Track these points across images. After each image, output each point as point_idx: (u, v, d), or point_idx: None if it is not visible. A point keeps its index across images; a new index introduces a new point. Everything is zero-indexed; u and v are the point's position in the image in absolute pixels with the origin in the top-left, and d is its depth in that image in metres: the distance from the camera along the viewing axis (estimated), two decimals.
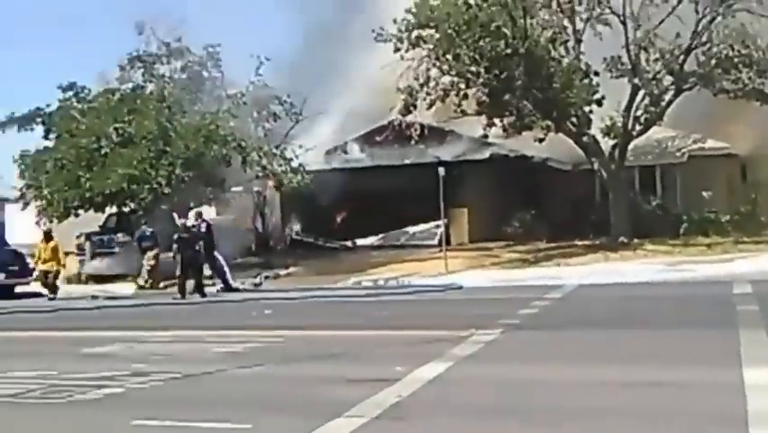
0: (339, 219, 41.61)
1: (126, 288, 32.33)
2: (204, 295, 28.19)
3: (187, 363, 14.87)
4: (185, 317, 23.49)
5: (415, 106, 34.11)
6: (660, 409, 10.28)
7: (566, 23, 35.00)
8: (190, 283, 28.59)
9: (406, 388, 11.81)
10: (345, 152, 41.41)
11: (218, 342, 17.12)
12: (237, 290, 29.06)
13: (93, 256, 36.02)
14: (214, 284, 30.46)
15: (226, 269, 30.50)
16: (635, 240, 34.23)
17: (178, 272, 28.86)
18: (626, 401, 10.72)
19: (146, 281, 32.12)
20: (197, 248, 28.97)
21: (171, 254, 29.31)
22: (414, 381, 12.27)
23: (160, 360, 15.39)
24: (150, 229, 32.77)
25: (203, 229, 29.61)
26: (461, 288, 26.19)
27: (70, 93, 36.91)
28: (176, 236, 29.15)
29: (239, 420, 10.42)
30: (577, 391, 11.47)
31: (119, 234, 35.93)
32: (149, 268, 32.35)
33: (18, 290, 32.34)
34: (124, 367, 14.46)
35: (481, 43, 32.13)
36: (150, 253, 32.36)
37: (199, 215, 30.54)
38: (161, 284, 31.64)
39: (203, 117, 35.46)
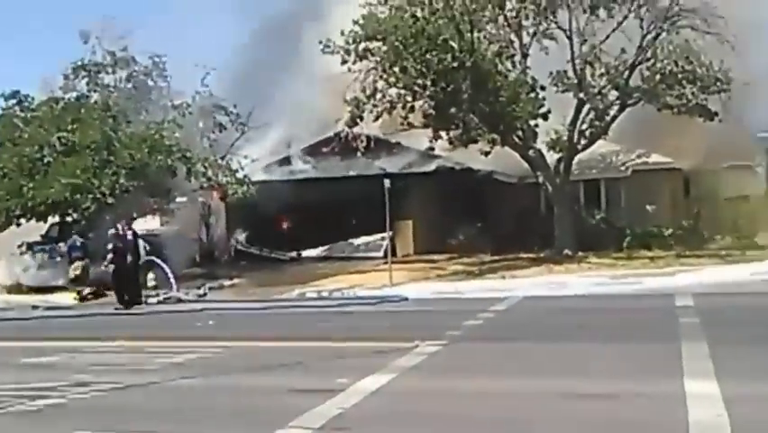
0: (285, 227, 41.42)
1: (67, 298, 31.98)
2: (138, 304, 27.95)
3: (129, 373, 14.73)
4: (127, 327, 23.23)
5: (361, 118, 34.07)
6: (602, 420, 10.33)
7: (513, 37, 35.25)
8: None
9: (349, 399, 11.77)
10: (291, 164, 41.28)
11: (161, 352, 16.97)
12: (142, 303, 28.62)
13: (38, 267, 35.65)
14: (157, 294, 30.28)
15: (172, 280, 30.41)
16: (580, 253, 34.45)
17: (113, 283, 28.75)
18: (568, 413, 10.75)
19: (78, 292, 31.86)
20: (129, 258, 28.70)
21: (104, 264, 29.08)
22: (357, 392, 12.23)
23: (101, 370, 15.22)
24: (81, 239, 32.61)
25: (129, 238, 29.27)
26: (405, 299, 26.16)
27: (13, 101, 36.58)
28: (108, 246, 28.88)
29: (182, 431, 10.32)
30: (520, 402, 11.48)
31: (60, 244, 35.52)
32: (72, 277, 32.27)
33: None
34: (65, 377, 14.29)
35: (428, 56, 32.14)
36: (78, 264, 32.25)
37: (127, 224, 30.22)
38: (104, 294, 31.37)
39: (148, 127, 35.24)
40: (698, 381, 11.81)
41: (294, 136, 41.67)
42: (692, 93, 33.98)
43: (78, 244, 32.47)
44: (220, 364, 15.39)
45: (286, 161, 41.46)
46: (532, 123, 34.58)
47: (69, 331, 22.64)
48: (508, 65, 34.73)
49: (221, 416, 11.42)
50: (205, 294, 30.42)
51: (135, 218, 36.96)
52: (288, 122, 41.07)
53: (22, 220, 34.54)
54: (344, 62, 33.29)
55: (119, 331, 21.44)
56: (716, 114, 33.91)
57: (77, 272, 32.29)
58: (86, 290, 31.79)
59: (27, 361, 16.86)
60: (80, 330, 22.89)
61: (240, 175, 36.86)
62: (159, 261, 32.31)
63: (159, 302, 29.16)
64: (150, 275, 32.72)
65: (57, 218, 35.87)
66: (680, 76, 33.92)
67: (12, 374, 15.01)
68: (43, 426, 11.32)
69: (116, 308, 27.79)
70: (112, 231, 29.68)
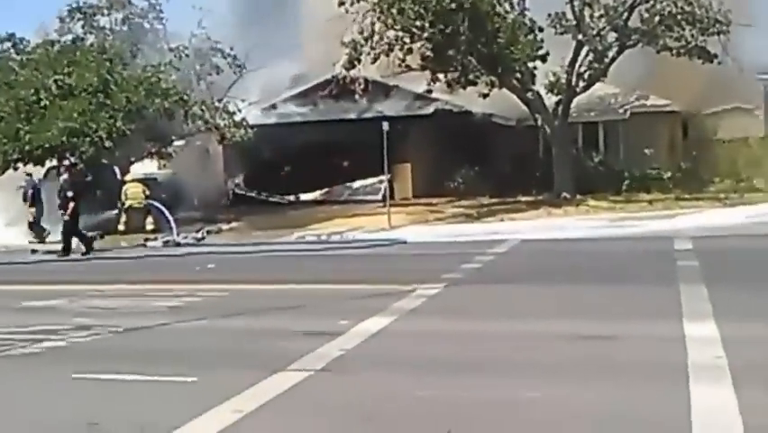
0: (284, 170, 41.35)
1: None
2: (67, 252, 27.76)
3: (129, 316, 14.79)
4: (126, 271, 23.29)
5: (359, 61, 33.89)
6: (601, 361, 10.38)
7: None
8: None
9: (350, 341, 11.83)
10: (288, 107, 41.16)
11: (161, 296, 17.01)
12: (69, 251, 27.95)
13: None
14: (155, 238, 30.34)
15: (172, 223, 30.51)
16: (578, 196, 34.46)
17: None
18: (567, 354, 10.81)
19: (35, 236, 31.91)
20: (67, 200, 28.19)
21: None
22: (357, 334, 12.28)
23: (101, 314, 15.27)
24: (35, 183, 32.66)
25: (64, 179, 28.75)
26: (404, 242, 26.20)
27: (8, 44, 36.32)
28: (69, 194, 28.45)
29: (183, 374, 10.37)
30: (519, 343, 11.54)
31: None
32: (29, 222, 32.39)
33: None
34: (66, 321, 14.35)
35: None
36: (31, 209, 32.32)
37: (66, 167, 29.66)
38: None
39: (144, 70, 35.04)
40: (696, 323, 11.87)
41: (293, 79, 41.53)
42: (691, 34, 33.79)
43: (31, 189, 32.33)
44: (220, 307, 15.43)
45: (282, 103, 41.33)
46: (530, 65, 34.43)
47: (68, 275, 22.69)
48: (507, 6, 34.47)
49: (221, 358, 11.47)
50: (203, 238, 30.43)
51: (133, 162, 36.98)
52: (285, 64, 40.87)
53: (20, 164, 34.41)
54: (341, 4, 33.08)
55: (118, 275, 21.49)
56: (715, 55, 33.77)
57: (30, 218, 32.29)
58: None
59: (27, 304, 16.90)
60: (79, 274, 22.93)
61: (237, 118, 36.72)
62: (158, 204, 32.37)
63: (158, 246, 29.20)
64: (149, 219, 32.78)
65: (54, 162, 35.77)
66: (679, 17, 33.73)
67: (12, 317, 15.07)
68: (44, 368, 11.36)
69: (82, 254, 27.67)
70: (64, 176, 29.26)
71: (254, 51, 37.41)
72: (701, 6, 33.47)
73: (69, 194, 28.00)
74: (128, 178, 34.68)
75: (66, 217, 27.96)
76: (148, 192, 33.40)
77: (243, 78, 37.80)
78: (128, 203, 33.19)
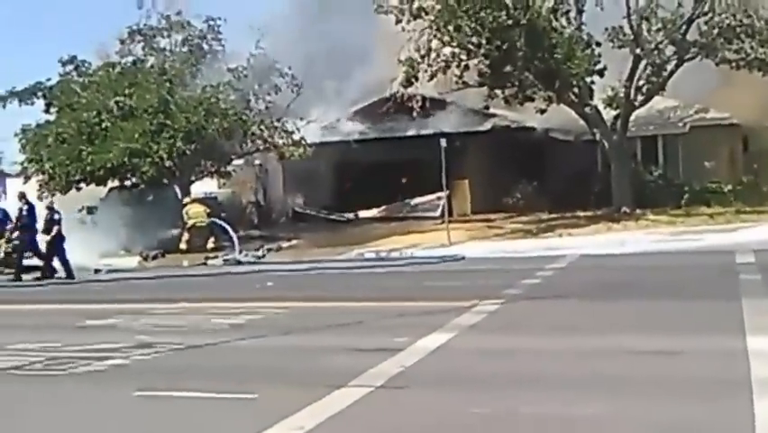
0: (346, 187, 41.39)
1: (129, 261, 32.33)
2: (18, 279, 27.63)
3: (190, 334, 14.89)
4: (188, 289, 23.46)
5: (416, 78, 33.98)
6: (664, 376, 10.29)
7: None
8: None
9: (410, 358, 11.82)
10: (347, 125, 41.35)
11: (221, 314, 17.12)
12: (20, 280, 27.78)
13: None
14: (216, 256, 30.57)
15: (235, 241, 30.77)
16: (638, 210, 34.25)
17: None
18: (628, 370, 10.73)
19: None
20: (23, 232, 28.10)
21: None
22: (417, 351, 12.28)
23: (162, 332, 15.39)
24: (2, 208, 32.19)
25: (24, 212, 28.26)
26: (463, 259, 26.17)
27: (71, 67, 36.90)
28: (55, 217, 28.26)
29: (243, 391, 10.42)
30: (580, 359, 11.48)
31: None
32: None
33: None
34: (127, 339, 14.47)
35: (482, 14, 31.92)
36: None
37: (22, 196, 29.07)
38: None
39: (204, 90, 35.38)
40: (759, 337, 11.73)
41: (349, 99, 41.71)
42: (751, 47, 33.49)
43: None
44: (280, 325, 15.49)
45: (341, 122, 41.52)
46: (588, 79, 34.28)
47: (131, 294, 22.90)
48: (563, 21, 34.34)
49: (281, 375, 11.51)
50: (263, 256, 30.59)
51: (193, 181, 37.29)
52: (344, 82, 41.04)
53: (82, 185, 34.88)
54: (398, 22, 33.21)
55: (179, 293, 21.65)
56: None
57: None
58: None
59: (90, 323, 17.07)
60: (142, 292, 23.12)
61: (296, 137, 36.92)
62: (221, 222, 32.58)
63: (218, 264, 29.43)
64: (211, 237, 33.01)
65: (116, 183, 36.21)
66: (738, 29, 33.46)
67: (75, 336, 15.21)
68: (106, 387, 11.46)
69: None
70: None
71: (313, 71, 37.56)
72: (761, 18, 33.18)
73: (56, 217, 28.07)
74: (188, 198, 34.90)
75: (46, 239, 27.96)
76: (209, 211, 33.63)
77: (302, 96, 37.92)
78: (190, 222, 33.38)
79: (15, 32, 72.35)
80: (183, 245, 33.10)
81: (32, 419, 10.02)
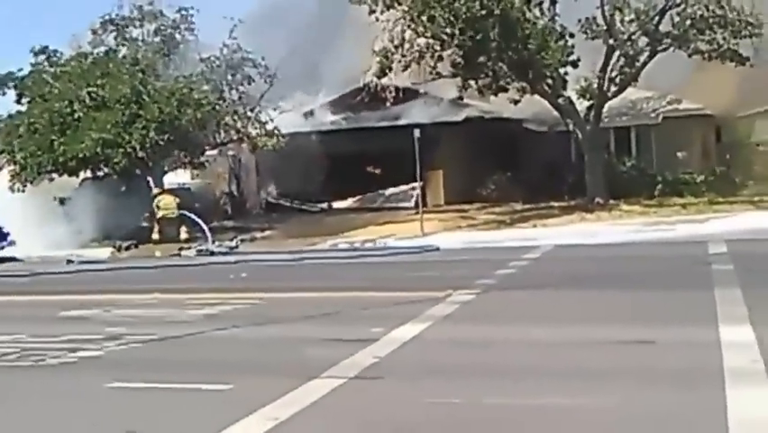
0: (316, 180, 41.32)
1: (101, 252, 32.22)
2: None
3: (163, 325, 14.84)
4: (161, 280, 23.38)
5: (390, 69, 33.96)
6: (638, 366, 10.33)
7: None
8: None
9: (384, 348, 11.83)
10: (320, 115, 41.26)
11: (194, 304, 17.08)
12: None
13: None
14: (189, 247, 30.49)
15: (207, 232, 30.66)
16: (611, 201, 34.36)
17: None
18: (604, 360, 10.78)
19: None
20: None
21: None
22: (391, 341, 12.28)
23: (135, 323, 15.35)
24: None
25: None
26: (437, 249, 26.18)
27: (42, 57, 36.58)
28: None
29: (218, 381, 10.40)
30: (554, 350, 11.50)
31: None
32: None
33: None
34: (100, 330, 14.43)
35: (456, 4, 31.87)
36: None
37: None
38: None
39: (176, 81, 35.22)
40: (732, 327, 11.80)
41: (322, 89, 41.66)
42: (723, 38, 33.62)
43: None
44: (254, 316, 15.47)
45: (314, 113, 41.44)
46: (561, 70, 34.36)
47: (104, 284, 22.79)
48: (537, 12, 34.39)
49: (255, 366, 11.50)
50: (236, 246, 30.53)
51: (166, 172, 37.15)
52: (316, 73, 40.97)
53: (54, 175, 34.68)
54: (372, 12, 33.16)
55: (153, 284, 21.58)
56: (747, 58, 33.55)
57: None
58: None
59: (63, 314, 16.99)
60: (114, 283, 23.03)
61: (269, 127, 36.82)
62: (191, 214, 32.51)
63: (192, 255, 29.36)
64: (183, 228, 32.91)
65: (88, 173, 36.03)
66: (710, 20, 33.57)
67: (48, 327, 15.14)
68: (78, 378, 11.42)
69: None
70: None
71: (284, 61, 37.43)
72: (733, 9, 33.28)
73: None
74: (158, 189, 34.77)
75: None
76: (179, 201, 33.54)
77: (275, 86, 37.79)
78: (160, 213, 33.30)
79: None
80: (155, 236, 33.04)
81: (3, 410, 9.96)
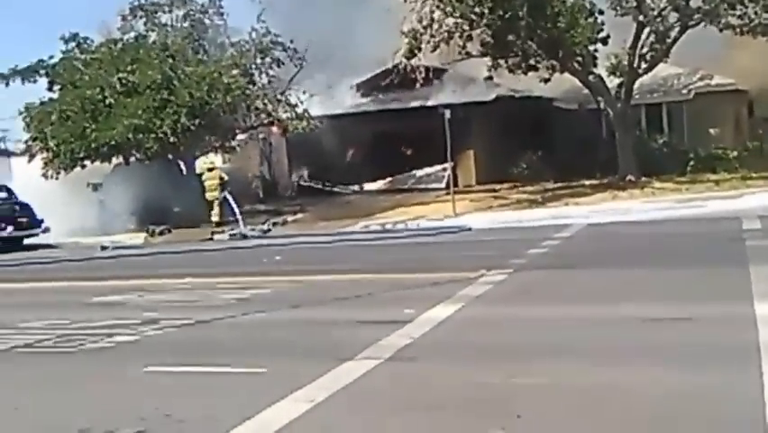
0: (348, 159, 41.22)
1: (136, 237, 32.40)
2: None
3: (198, 310, 14.90)
4: (194, 264, 23.49)
5: (419, 49, 33.91)
6: (673, 343, 10.29)
7: None
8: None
9: (418, 329, 11.83)
10: (350, 97, 41.25)
11: (229, 288, 17.15)
12: None
13: None
14: (222, 231, 30.59)
15: (238, 216, 30.67)
16: (643, 178, 34.20)
17: None
18: (637, 337, 10.74)
19: None
20: None
21: None
22: (425, 322, 12.28)
23: (170, 307, 15.43)
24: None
25: None
26: (469, 229, 26.17)
27: (73, 44, 36.83)
28: None
29: (252, 365, 10.44)
30: (588, 328, 11.48)
31: None
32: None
33: (27, 241, 32.42)
34: (136, 315, 14.49)
35: None
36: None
37: None
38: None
39: (206, 65, 35.33)
40: (767, 303, 11.73)
41: (352, 71, 41.61)
42: (755, 12, 33.30)
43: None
44: (288, 299, 15.51)
45: (343, 95, 41.43)
46: (591, 48, 34.24)
47: (138, 270, 22.92)
48: None
49: (290, 349, 11.53)
50: (269, 230, 30.64)
51: (197, 156, 37.28)
52: (345, 55, 40.90)
53: (87, 162, 34.89)
54: None
55: (186, 269, 21.69)
56: None
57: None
58: None
59: (98, 300, 17.11)
60: (148, 269, 23.15)
61: (299, 110, 36.87)
62: (227, 196, 32.45)
63: (225, 239, 29.48)
64: (215, 210, 32.91)
65: (120, 159, 36.23)
66: None
67: (84, 313, 15.22)
68: (116, 363, 11.48)
69: None
70: None
71: (315, 43, 37.41)
72: None
73: None
74: (207, 164, 34.49)
75: None
76: (223, 181, 33.05)
77: (305, 69, 37.80)
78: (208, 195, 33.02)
79: (16, 11, 72.10)
80: (215, 217, 32.70)
81: (43, 397, 10.05)
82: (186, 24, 38.11)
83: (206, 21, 38.33)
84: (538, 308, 13.22)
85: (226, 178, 33.24)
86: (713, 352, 9.74)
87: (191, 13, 38.19)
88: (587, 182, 35.16)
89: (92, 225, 34.34)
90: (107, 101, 33.97)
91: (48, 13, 77.35)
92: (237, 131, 37.70)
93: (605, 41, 33.93)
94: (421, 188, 39.62)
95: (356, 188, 41.75)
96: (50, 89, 36.68)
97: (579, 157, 37.21)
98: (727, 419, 7.72)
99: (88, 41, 37.07)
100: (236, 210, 31.62)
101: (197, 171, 35.33)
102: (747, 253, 16.58)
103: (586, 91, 36.24)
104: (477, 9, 32.54)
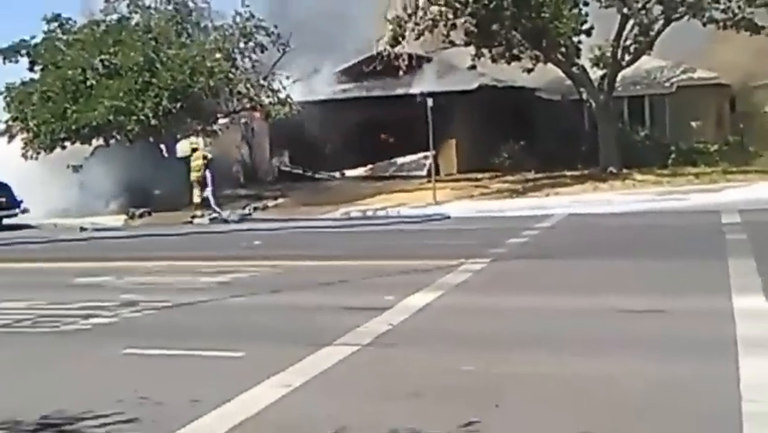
0: (329, 149, 41.14)
1: (114, 219, 32.29)
2: None
3: (176, 292, 14.86)
4: (174, 247, 23.45)
5: (403, 37, 33.87)
6: (650, 335, 10.34)
7: None
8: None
9: (397, 316, 11.85)
10: (333, 83, 41.17)
11: (208, 272, 17.12)
12: None
13: None
14: (202, 215, 30.48)
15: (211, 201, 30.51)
16: (624, 170, 34.24)
17: None
18: (617, 329, 10.79)
19: None
20: None
21: None
22: (404, 309, 12.31)
23: (149, 290, 15.39)
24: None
25: None
26: (449, 218, 26.19)
27: (55, 24, 36.55)
28: None
29: (230, 349, 10.44)
30: (566, 319, 11.51)
31: None
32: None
33: (5, 222, 32.26)
34: (114, 297, 14.47)
35: None
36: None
37: None
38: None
39: (189, 49, 35.19)
40: (745, 296, 11.78)
41: (335, 56, 41.53)
42: (738, 6, 33.30)
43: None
44: (267, 283, 15.51)
45: (326, 80, 41.35)
46: (575, 39, 34.23)
47: (117, 252, 22.86)
48: None
49: (268, 333, 11.53)
50: (249, 214, 30.58)
51: (179, 140, 37.13)
52: (329, 41, 40.82)
53: (67, 143, 34.73)
54: None
55: (165, 252, 21.65)
56: (763, 27, 33.30)
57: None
58: None
59: (77, 281, 17.06)
60: (127, 251, 23.09)
61: (282, 95, 36.78)
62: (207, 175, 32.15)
63: (205, 222, 29.43)
64: (196, 192, 32.70)
65: (101, 141, 36.08)
66: None
67: (63, 294, 15.18)
68: (94, 344, 11.47)
69: None
70: None
71: (298, 29, 37.30)
72: None
73: None
74: (192, 145, 34.05)
75: None
76: (207, 160, 32.46)
77: (288, 54, 37.70)
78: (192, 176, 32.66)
79: None
80: (197, 199, 32.21)
81: (20, 377, 10.02)
82: (169, 7, 37.87)
83: (190, 3, 38.11)
84: (518, 298, 13.25)
85: (210, 156, 32.87)
86: (691, 344, 9.79)
87: None
88: (568, 173, 35.19)
89: (72, 206, 34.18)
90: (89, 82, 33.78)
91: None
92: (219, 115, 37.55)
93: (589, 33, 33.95)
94: (402, 175, 39.61)
95: (337, 174, 41.70)
96: (31, 69, 36.42)
97: (560, 148, 37.25)
98: (704, 410, 7.75)
99: (71, 22, 36.82)
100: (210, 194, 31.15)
101: (182, 155, 35.12)
102: (727, 247, 16.66)
103: (569, 82, 36.28)
104: None
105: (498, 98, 37.38)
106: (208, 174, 31.43)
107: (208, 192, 30.93)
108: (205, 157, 32.16)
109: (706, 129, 38.25)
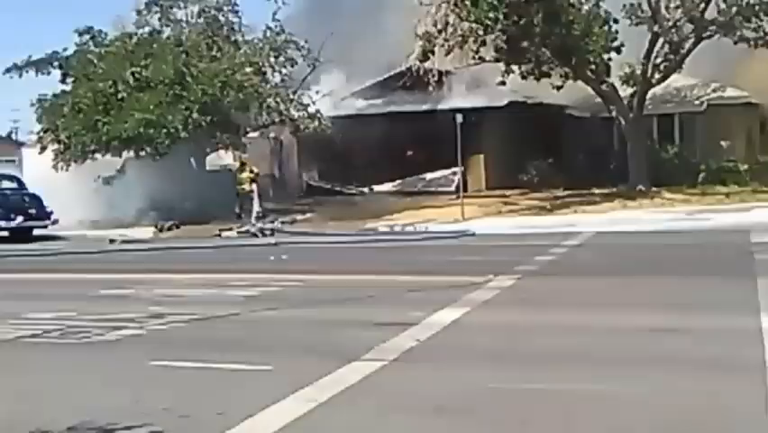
0: (357, 164, 41.23)
1: (144, 232, 32.42)
2: None
3: (205, 305, 14.91)
4: (202, 261, 23.53)
5: (433, 53, 33.92)
6: (678, 355, 10.29)
7: None
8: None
9: (424, 332, 11.83)
10: (362, 99, 41.26)
11: (236, 286, 17.15)
12: None
13: None
14: (231, 228, 30.59)
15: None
16: (653, 188, 34.15)
17: None
18: (642, 347, 10.74)
19: None
20: None
21: None
22: (431, 325, 12.29)
23: (178, 302, 15.43)
24: None
25: None
26: (473, 235, 26.19)
27: (87, 37, 36.81)
28: None
29: (257, 362, 10.45)
30: (593, 337, 11.49)
31: None
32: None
33: (36, 232, 32.44)
34: (142, 309, 14.50)
35: None
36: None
37: None
38: None
39: (220, 63, 35.36)
40: None
41: (364, 71, 41.63)
42: None
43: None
44: (294, 297, 15.54)
45: (356, 96, 41.44)
46: (605, 56, 34.18)
47: (146, 264, 22.94)
48: None
49: (295, 348, 11.53)
50: (278, 228, 30.63)
51: (208, 153, 37.32)
52: (358, 56, 40.94)
53: (98, 155, 34.93)
54: None
55: (194, 264, 21.72)
56: None
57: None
58: None
59: (106, 293, 17.12)
60: (156, 263, 23.17)
61: (311, 110, 36.89)
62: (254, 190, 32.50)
63: (233, 236, 29.53)
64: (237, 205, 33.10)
65: (131, 153, 36.24)
66: (756, 8, 33.30)
67: (91, 306, 15.25)
68: (121, 356, 11.50)
69: None
70: None
71: (328, 44, 37.41)
72: None
73: None
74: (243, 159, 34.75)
75: None
76: (253, 175, 33.34)
77: (318, 69, 37.85)
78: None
79: (31, 2, 72.18)
80: (238, 210, 32.93)
81: (48, 387, 10.05)
82: (200, 21, 38.12)
83: (221, 18, 38.34)
84: (545, 315, 13.21)
85: (257, 171, 33.43)
86: (718, 363, 9.73)
87: (206, 9, 38.20)
88: (597, 191, 35.11)
89: (101, 218, 34.36)
90: (120, 95, 33.99)
91: (63, 6, 77.44)
92: (248, 129, 37.69)
93: (619, 50, 33.90)
94: (430, 191, 39.59)
95: (366, 189, 41.74)
96: (63, 81, 36.69)
97: (589, 165, 37.20)
98: (733, 430, 7.71)
99: (103, 35, 37.07)
100: (256, 207, 31.75)
101: (210, 168, 35.36)
102: (756, 267, 16.57)
103: (598, 100, 36.21)
104: (492, 14, 32.46)
105: (528, 115, 37.36)
106: (255, 188, 31.90)
107: (255, 205, 31.30)
108: (252, 171, 32.60)
109: (736, 148, 38.08)
